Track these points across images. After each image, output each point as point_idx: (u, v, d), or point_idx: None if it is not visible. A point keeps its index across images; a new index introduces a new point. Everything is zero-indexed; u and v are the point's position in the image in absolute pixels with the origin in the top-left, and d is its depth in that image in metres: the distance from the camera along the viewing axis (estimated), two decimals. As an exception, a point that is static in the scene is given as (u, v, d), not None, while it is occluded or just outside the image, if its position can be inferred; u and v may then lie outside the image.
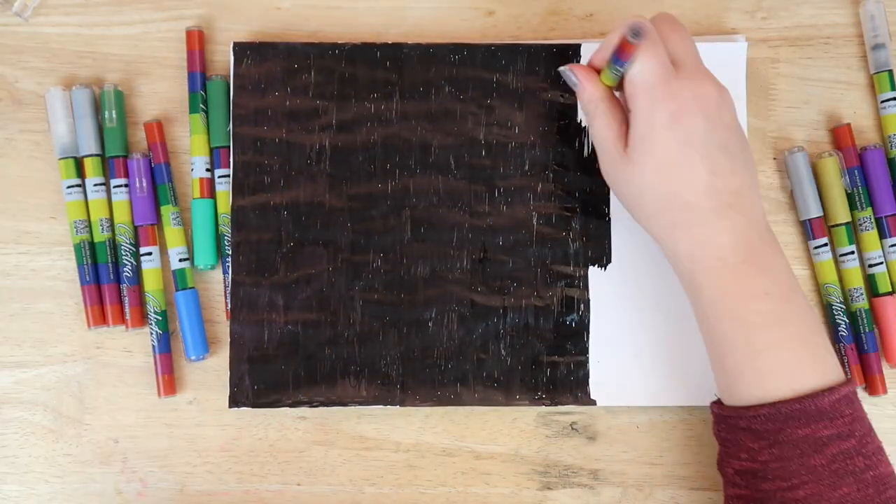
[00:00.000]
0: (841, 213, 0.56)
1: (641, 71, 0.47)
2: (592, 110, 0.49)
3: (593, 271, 0.56)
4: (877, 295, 0.56)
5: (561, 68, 0.51)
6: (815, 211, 0.56)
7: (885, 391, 0.56)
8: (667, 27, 0.49)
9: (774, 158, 0.58)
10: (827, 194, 0.56)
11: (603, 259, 0.56)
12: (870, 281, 0.56)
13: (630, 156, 0.48)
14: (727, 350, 0.47)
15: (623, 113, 0.49)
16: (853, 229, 0.57)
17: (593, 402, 0.55)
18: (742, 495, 0.48)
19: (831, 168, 0.56)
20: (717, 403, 0.50)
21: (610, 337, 0.56)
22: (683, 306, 0.51)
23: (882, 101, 0.57)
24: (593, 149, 0.55)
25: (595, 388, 0.55)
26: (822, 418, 0.45)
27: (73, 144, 0.57)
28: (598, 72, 0.50)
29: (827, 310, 0.57)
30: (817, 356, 0.47)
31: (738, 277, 0.47)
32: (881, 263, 0.56)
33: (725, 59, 0.57)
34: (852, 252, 0.56)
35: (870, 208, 0.56)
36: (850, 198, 0.57)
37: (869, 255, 0.56)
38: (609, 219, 0.56)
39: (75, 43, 0.59)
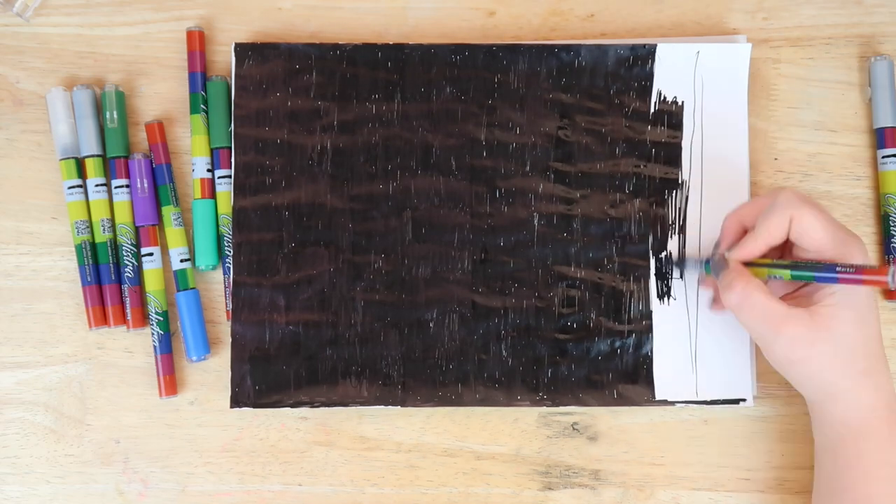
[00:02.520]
0: None
1: None
2: (746, 291, 0.49)
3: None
4: None
5: (711, 263, 0.52)
6: (890, 120, 0.57)
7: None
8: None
9: (776, 159, 0.58)
10: None
11: (605, 261, 0.56)
12: None
13: (823, 311, 0.48)
14: (875, 493, 0.49)
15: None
16: None
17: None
18: None
19: None
20: None
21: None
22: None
23: None
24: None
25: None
26: None
27: (74, 145, 0.57)
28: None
29: (883, 221, 0.57)
30: None
31: None
32: None
33: (729, 61, 0.57)
34: None
35: None
36: None
37: None
38: (610, 219, 0.57)
39: (76, 43, 0.59)
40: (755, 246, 0.50)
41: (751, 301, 0.49)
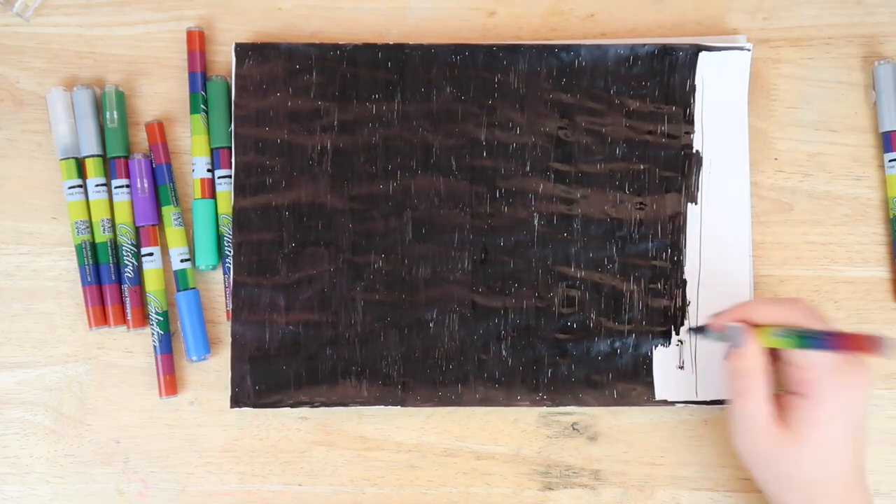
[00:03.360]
0: None
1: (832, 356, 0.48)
2: (749, 381, 0.49)
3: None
4: None
5: (728, 325, 0.50)
6: None
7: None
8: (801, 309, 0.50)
9: (776, 159, 0.58)
10: None
11: (605, 261, 0.56)
12: None
13: (798, 434, 0.48)
14: None
15: (770, 386, 0.50)
16: None
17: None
18: None
19: None
20: None
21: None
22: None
23: None
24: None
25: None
26: None
27: (74, 145, 0.57)
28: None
29: (892, 224, 0.57)
30: None
31: None
32: None
33: (729, 61, 0.57)
34: None
35: None
36: None
37: None
38: (610, 219, 0.57)
39: (76, 43, 0.59)
40: (761, 312, 0.50)
41: (750, 396, 0.49)
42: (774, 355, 0.50)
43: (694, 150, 0.57)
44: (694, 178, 0.57)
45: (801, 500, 0.49)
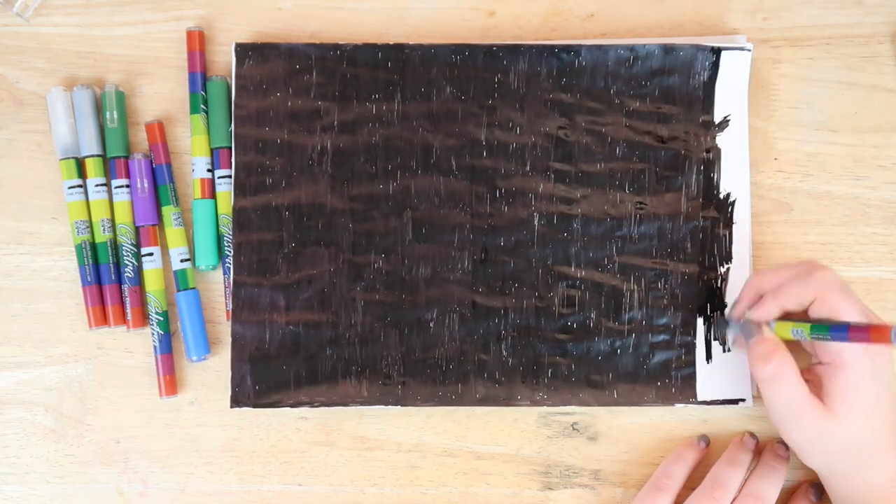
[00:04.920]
0: None
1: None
2: (777, 366, 0.49)
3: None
4: None
5: (732, 322, 0.53)
6: None
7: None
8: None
9: (776, 159, 0.58)
10: None
11: (605, 261, 0.56)
12: None
13: (834, 407, 0.49)
14: None
15: (796, 365, 0.50)
16: None
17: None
18: None
19: None
20: None
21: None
22: None
23: None
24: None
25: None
26: None
27: (74, 145, 0.57)
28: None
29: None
30: None
31: None
32: None
33: (730, 67, 0.57)
34: None
35: None
36: None
37: None
38: (609, 219, 0.57)
39: (76, 43, 0.59)
40: (772, 307, 0.51)
41: (781, 380, 0.49)
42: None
43: (694, 150, 0.57)
44: (694, 177, 0.57)
45: (851, 468, 0.50)
